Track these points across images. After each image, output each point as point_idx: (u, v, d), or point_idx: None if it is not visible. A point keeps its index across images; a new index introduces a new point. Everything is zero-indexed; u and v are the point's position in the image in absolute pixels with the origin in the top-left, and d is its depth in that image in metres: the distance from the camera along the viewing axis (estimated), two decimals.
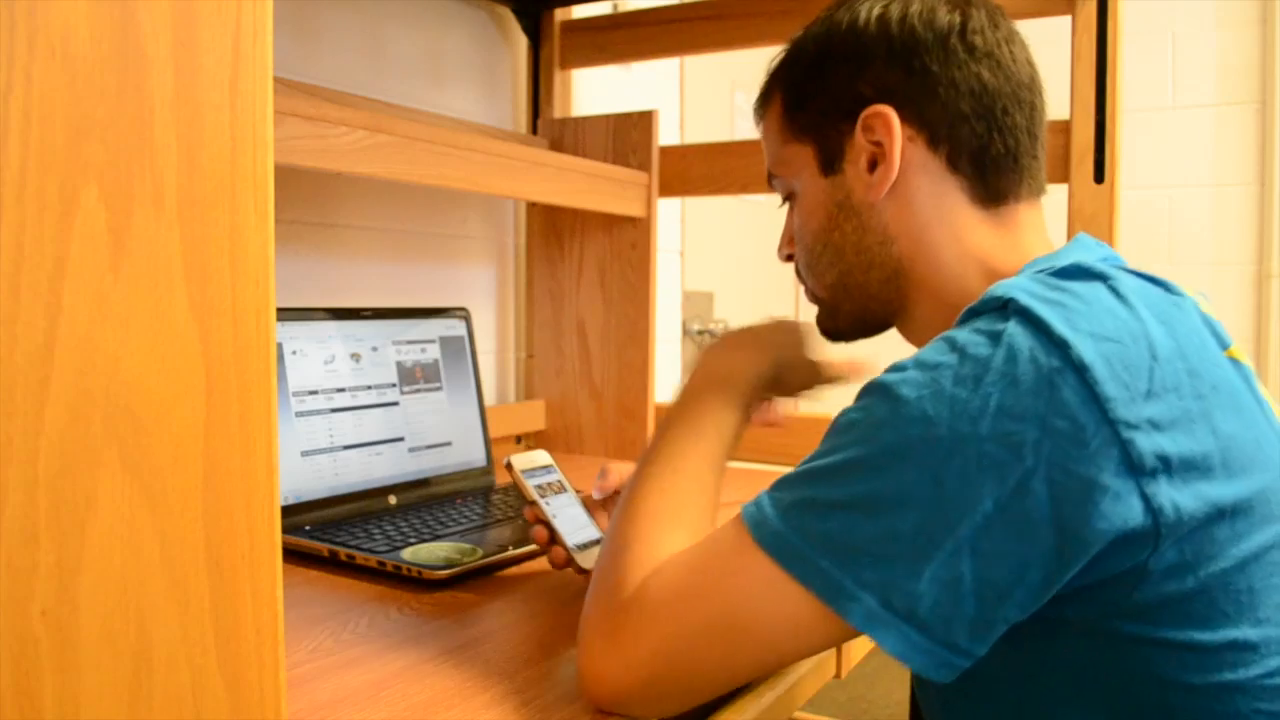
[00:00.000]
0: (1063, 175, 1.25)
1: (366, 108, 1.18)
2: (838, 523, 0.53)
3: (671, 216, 2.09)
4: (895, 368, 0.56)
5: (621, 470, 0.85)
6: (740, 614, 0.54)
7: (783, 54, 0.74)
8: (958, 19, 0.67)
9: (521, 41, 1.62)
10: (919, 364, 0.55)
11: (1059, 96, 1.27)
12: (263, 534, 0.41)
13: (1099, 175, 1.22)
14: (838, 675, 0.94)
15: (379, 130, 0.99)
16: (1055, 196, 1.24)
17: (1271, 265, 2.30)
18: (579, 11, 1.62)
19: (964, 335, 0.54)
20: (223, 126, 0.39)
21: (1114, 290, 0.56)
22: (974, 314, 0.57)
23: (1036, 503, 0.50)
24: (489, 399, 1.56)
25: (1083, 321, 0.52)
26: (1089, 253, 0.64)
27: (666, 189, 1.53)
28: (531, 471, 0.82)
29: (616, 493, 0.85)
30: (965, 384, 0.52)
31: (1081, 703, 0.56)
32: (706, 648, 0.55)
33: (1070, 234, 1.23)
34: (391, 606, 0.78)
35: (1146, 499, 0.50)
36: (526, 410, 1.55)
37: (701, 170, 1.56)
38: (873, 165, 0.68)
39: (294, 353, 1.00)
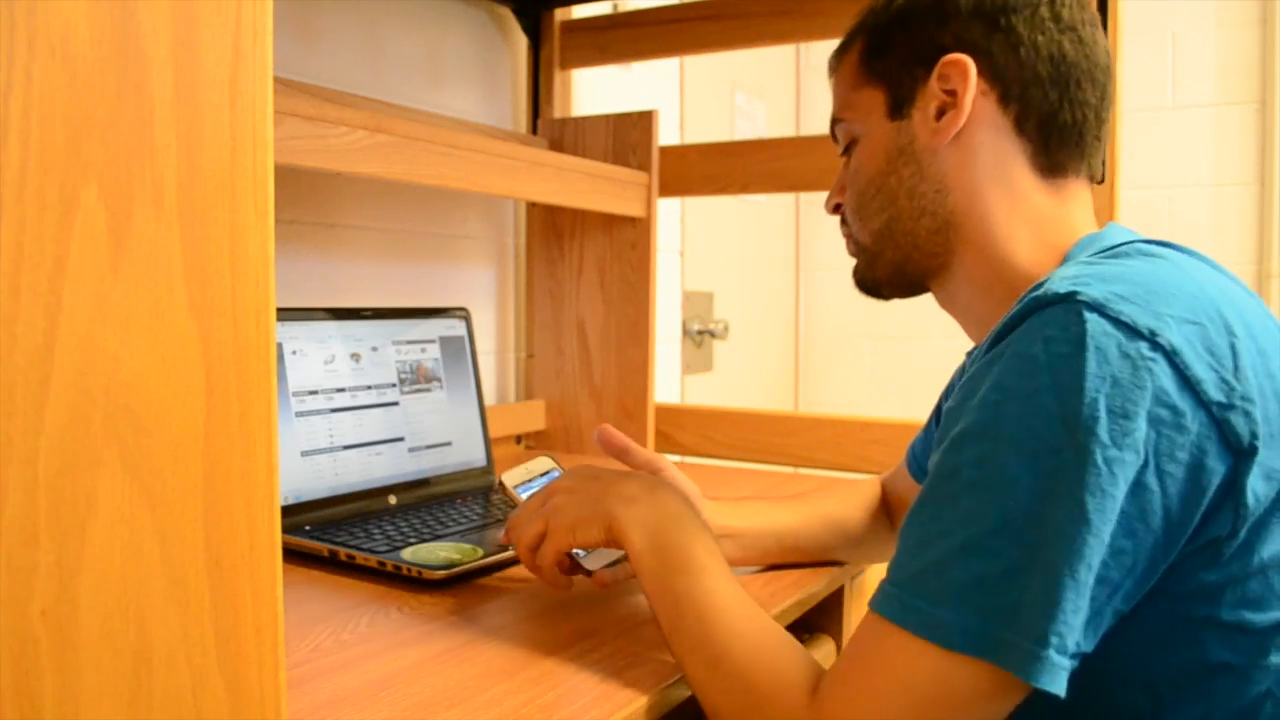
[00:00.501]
0: None
1: (366, 108, 1.18)
2: (1013, 594, 0.50)
3: (671, 216, 2.09)
4: (980, 407, 0.54)
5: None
6: (943, 711, 0.52)
7: (871, 3, 0.75)
8: None
9: (521, 41, 1.62)
10: (1007, 394, 0.53)
11: None
12: (263, 534, 0.41)
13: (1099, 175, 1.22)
14: None
15: (379, 130, 0.99)
16: None
17: (1271, 265, 2.29)
18: (579, 11, 1.62)
19: (1040, 347, 0.52)
20: (223, 126, 0.39)
21: (1179, 269, 0.56)
22: (1032, 309, 0.54)
23: (1149, 497, 0.50)
24: (489, 399, 1.56)
25: (1160, 305, 0.52)
26: (1130, 236, 0.65)
27: (666, 189, 1.53)
28: (529, 483, 0.80)
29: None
30: (1069, 396, 0.50)
31: (1126, 685, 0.56)
32: None
33: None
34: (391, 606, 0.78)
35: (1237, 478, 0.51)
36: (526, 410, 1.55)
37: (701, 170, 1.56)
38: (940, 114, 0.68)
39: (294, 353, 1.00)
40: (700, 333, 2.27)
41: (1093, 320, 0.51)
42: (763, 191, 1.58)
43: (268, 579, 0.41)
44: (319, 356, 1.03)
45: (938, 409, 0.90)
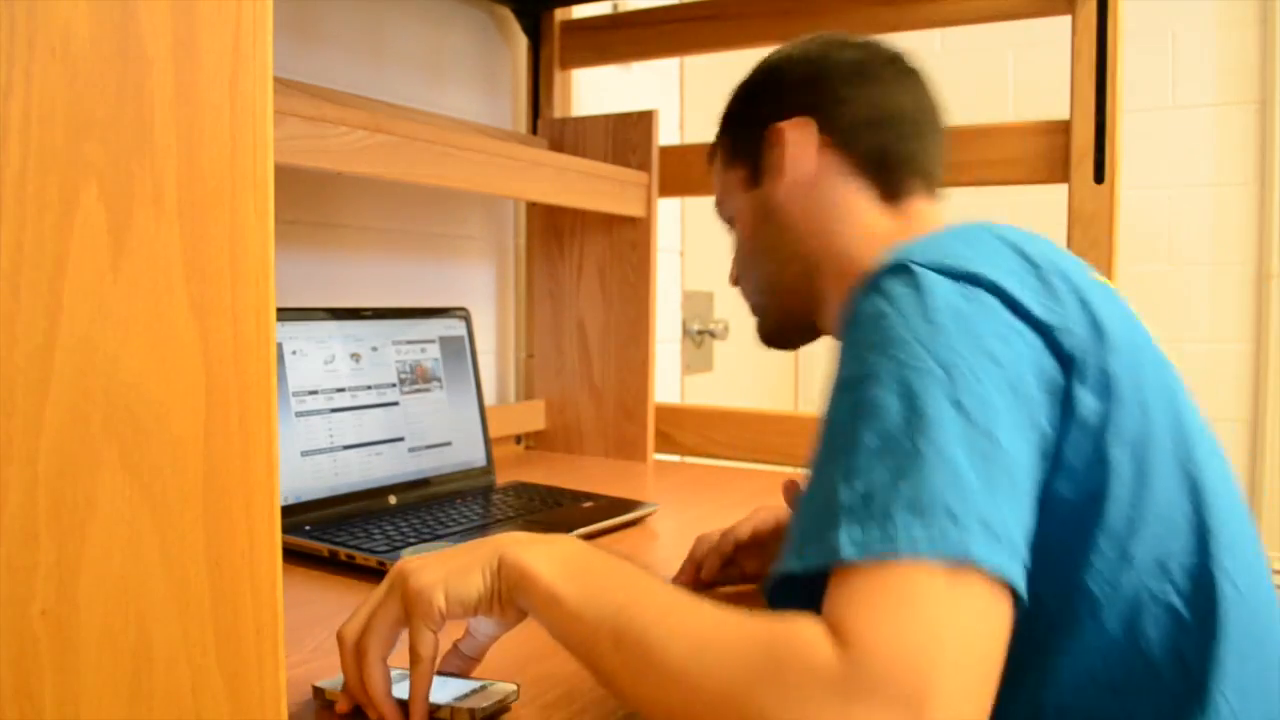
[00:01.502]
0: (1063, 175, 1.25)
1: (366, 108, 1.18)
2: (910, 491, 0.48)
3: (671, 216, 2.09)
4: (840, 368, 0.56)
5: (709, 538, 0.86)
6: (956, 624, 0.46)
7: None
8: (861, 55, 0.80)
9: (521, 41, 1.62)
10: (861, 345, 0.55)
11: (1059, 96, 1.27)
12: (263, 534, 0.41)
13: (1099, 175, 1.22)
14: None
15: (379, 130, 0.99)
16: (1055, 196, 1.25)
17: (1271, 265, 2.29)
18: (579, 11, 1.62)
19: (882, 302, 0.56)
20: (223, 126, 0.39)
21: (980, 231, 0.63)
22: (863, 282, 0.58)
23: (1019, 402, 0.53)
24: (489, 399, 1.56)
25: (973, 256, 0.57)
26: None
27: (666, 189, 1.53)
28: None
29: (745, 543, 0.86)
30: (920, 324, 0.54)
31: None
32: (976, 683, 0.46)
33: (1070, 234, 1.23)
34: None
35: (1070, 387, 0.55)
36: (526, 410, 1.55)
37: (701, 170, 1.55)
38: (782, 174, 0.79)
39: (294, 353, 1.00)
40: (700, 333, 2.27)
41: (922, 272, 0.56)
42: None
43: (268, 579, 0.41)
44: (319, 356, 1.03)
45: None
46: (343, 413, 1.04)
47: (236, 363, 0.40)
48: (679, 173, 1.56)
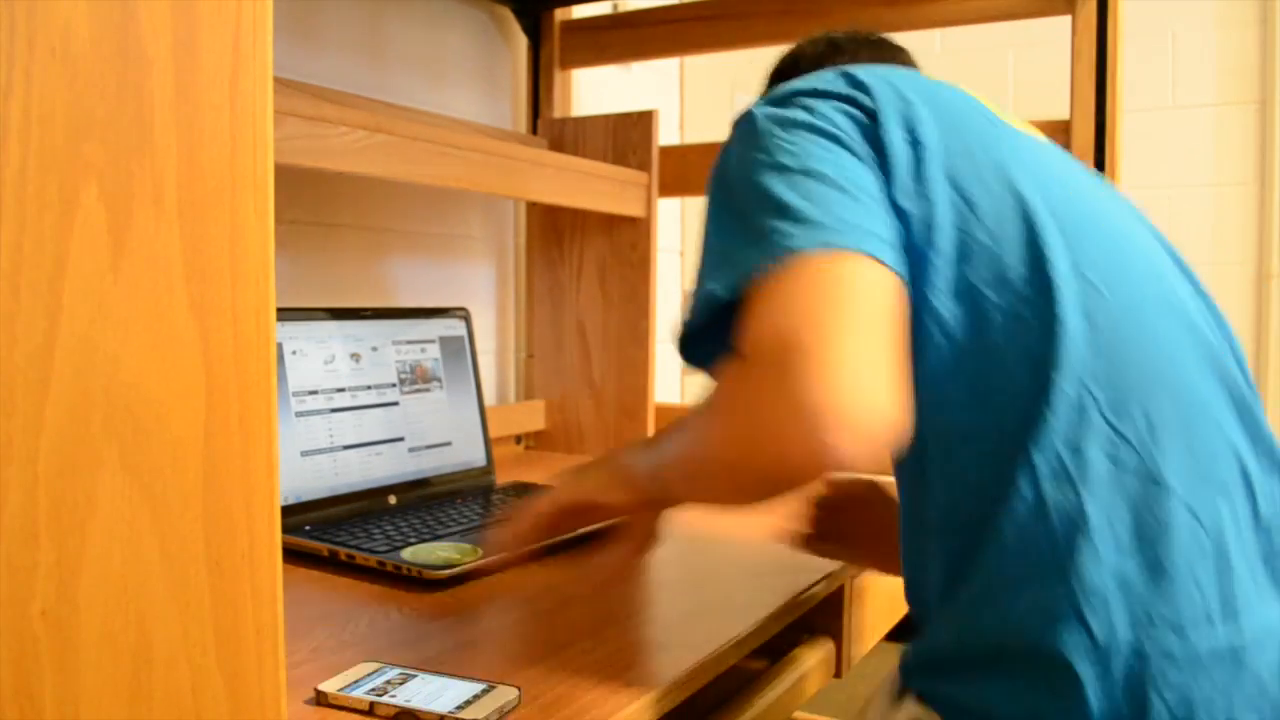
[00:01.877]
0: None
1: (366, 108, 1.18)
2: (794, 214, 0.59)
3: (671, 216, 2.09)
4: (711, 193, 0.67)
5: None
6: (854, 297, 0.55)
7: None
8: (780, 65, 0.95)
9: (521, 41, 1.62)
10: (720, 162, 0.67)
11: (1059, 96, 1.27)
12: (263, 534, 0.41)
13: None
14: (838, 675, 0.94)
15: (379, 130, 0.99)
16: None
17: (1271, 265, 2.29)
18: (579, 11, 1.62)
19: (729, 143, 0.67)
20: (223, 126, 0.39)
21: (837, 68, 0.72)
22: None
23: (836, 141, 0.62)
24: (489, 399, 1.56)
25: (800, 82, 0.67)
26: None
27: (666, 189, 1.53)
28: (356, 683, 0.63)
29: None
30: (751, 137, 0.65)
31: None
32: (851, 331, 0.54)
33: None
34: (391, 606, 0.78)
35: (876, 132, 0.63)
36: (526, 410, 1.55)
37: (701, 170, 1.54)
38: None
39: (294, 353, 1.00)
40: None
41: (756, 111, 0.66)
42: None
43: (268, 579, 0.41)
44: (319, 356, 1.03)
45: None
46: (343, 413, 1.04)
47: (236, 363, 0.40)
48: (679, 173, 1.56)
